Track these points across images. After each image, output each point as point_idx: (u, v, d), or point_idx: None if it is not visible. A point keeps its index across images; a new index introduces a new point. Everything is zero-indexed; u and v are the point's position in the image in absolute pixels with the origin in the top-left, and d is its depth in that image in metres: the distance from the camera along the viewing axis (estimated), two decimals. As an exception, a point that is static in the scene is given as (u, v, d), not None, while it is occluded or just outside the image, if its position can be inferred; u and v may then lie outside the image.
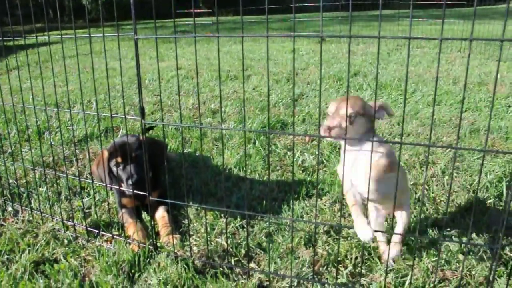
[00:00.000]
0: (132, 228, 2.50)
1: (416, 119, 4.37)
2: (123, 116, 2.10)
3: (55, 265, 2.19)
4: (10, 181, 3.10)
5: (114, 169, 2.61)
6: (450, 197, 2.06)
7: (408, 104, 4.99)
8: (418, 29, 11.14)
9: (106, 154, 2.62)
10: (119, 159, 2.56)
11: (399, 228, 2.07)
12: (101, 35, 2.00)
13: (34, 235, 2.50)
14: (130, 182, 2.48)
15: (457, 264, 2.14)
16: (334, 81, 6.11)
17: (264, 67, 7.43)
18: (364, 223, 1.81)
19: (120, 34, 1.93)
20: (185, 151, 3.71)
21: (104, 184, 2.59)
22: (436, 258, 2.14)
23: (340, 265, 2.16)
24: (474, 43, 9.32)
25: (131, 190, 2.43)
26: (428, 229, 2.41)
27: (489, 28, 9.09)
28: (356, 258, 2.20)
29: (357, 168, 1.88)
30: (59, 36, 2.21)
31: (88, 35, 2.05)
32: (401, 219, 2.08)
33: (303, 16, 13.59)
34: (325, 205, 2.71)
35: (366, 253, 2.22)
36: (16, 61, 2.61)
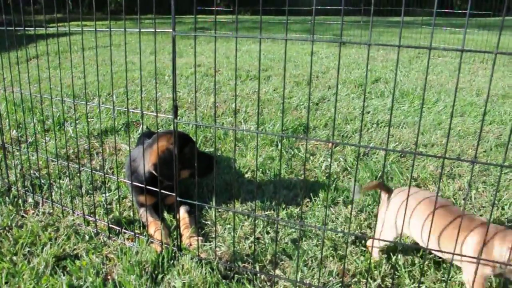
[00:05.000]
0: (153, 227, 2.45)
1: (440, 130, 4.29)
2: (155, 114, 2.06)
3: (77, 262, 2.16)
4: (31, 171, 3.08)
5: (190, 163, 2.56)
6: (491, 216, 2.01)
7: (430, 113, 4.90)
8: (438, 37, 10.98)
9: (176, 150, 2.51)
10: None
11: None
12: (137, 30, 1.96)
13: (55, 228, 2.47)
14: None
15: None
16: (355, 86, 6.04)
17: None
18: None
19: (157, 30, 1.89)
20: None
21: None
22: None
23: (369, 277, 2.10)
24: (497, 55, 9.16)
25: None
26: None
27: (512, 39, 8.91)
28: (385, 270, 2.14)
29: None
30: (79, 28, 2.18)
31: (123, 29, 2.01)
32: None
33: (323, 19, 13.50)
34: (352, 214, 2.65)
35: (394, 266, 2.16)
36: (36, 50, 2.55)
